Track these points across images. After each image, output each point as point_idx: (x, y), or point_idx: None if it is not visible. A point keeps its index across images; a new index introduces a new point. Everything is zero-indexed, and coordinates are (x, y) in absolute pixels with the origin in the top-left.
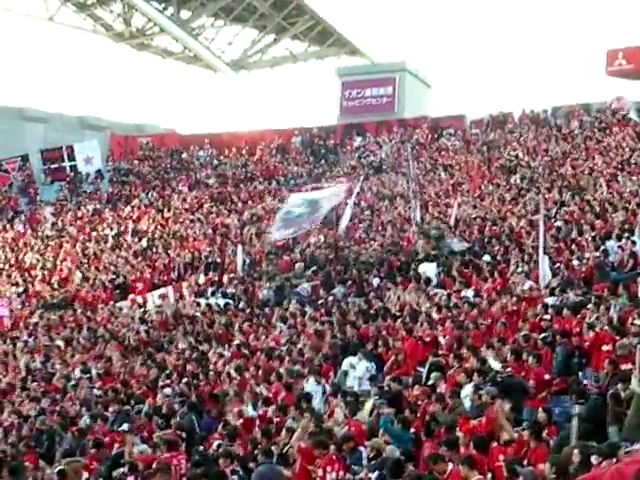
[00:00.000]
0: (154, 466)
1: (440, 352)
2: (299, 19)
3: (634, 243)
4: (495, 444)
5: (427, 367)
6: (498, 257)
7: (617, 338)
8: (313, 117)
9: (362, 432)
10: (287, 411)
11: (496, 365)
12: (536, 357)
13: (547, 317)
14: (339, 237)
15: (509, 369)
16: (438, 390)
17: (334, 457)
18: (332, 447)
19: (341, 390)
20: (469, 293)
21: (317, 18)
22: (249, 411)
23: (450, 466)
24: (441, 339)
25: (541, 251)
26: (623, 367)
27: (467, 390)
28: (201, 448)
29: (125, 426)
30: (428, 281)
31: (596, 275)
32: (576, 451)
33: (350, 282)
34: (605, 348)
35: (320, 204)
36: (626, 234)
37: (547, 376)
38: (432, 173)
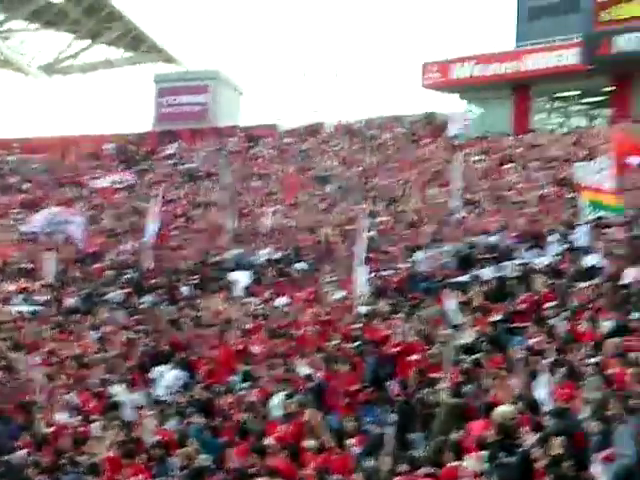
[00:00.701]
0: None
1: (251, 361)
2: (113, 25)
3: (443, 254)
4: (309, 452)
5: (237, 375)
6: (311, 266)
7: (426, 347)
8: (129, 123)
9: (172, 441)
10: (96, 420)
11: (305, 371)
12: (350, 365)
13: (358, 326)
14: (152, 245)
15: (320, 376)
16: (249, 398)
17: (143, 466)
18: (141, 456)
19: (151, 399)
20: (282, 301)
21: (131, 25)
22: (58, 419)
23: None
24: (253, 348)
25: (359, 261)
26: (435, 375)
27: (278, 399)
28: (6, 458)
29: None
30: (241, 289)
31: (407, 285)
32: (387, 459)
33: (161, 290)
34: (413, 357)
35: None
36: (436, 245)
37: (356, 386)
38: (246, 182)
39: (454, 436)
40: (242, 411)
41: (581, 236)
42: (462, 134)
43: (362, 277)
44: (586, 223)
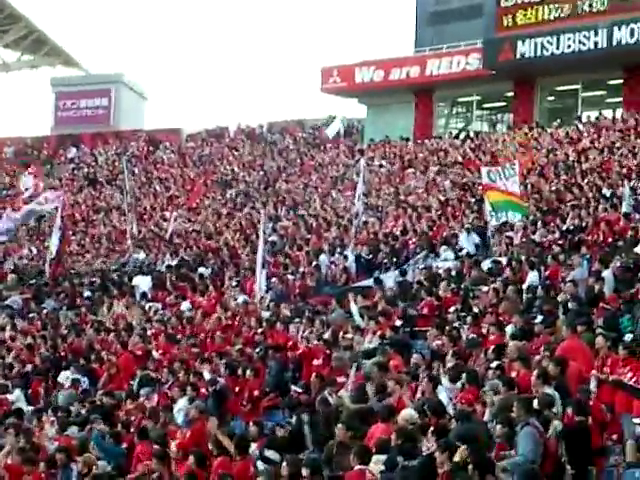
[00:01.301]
0: None
1: (152, 366)
2: (12, 27)
3: (346, 258)
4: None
5: (137, 381)
6: (214, 271)
7: (329, 352)
8: (27, 127)
9: (73, 447)
10: None
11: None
12: (254, 370)
13: (260, 331)
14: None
15: (223, 381)
16: (150, 404)
17: (43, 474)
18: (42, 463)
19: (52, 405)
20: (184, 306)
21: (31, 27)
22: None
23: None
24: (154, 353)
25: (259, 265)
26: (339, 380)
27: (180, 404)
28: None
29: None
30: (143, 294)
31: (311, 289)
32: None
33: (62, 295)
34: (316, 362)
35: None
36: (339, 249)
37: (256, 392)
38: (148, 186)
39: (356, 440)
40: (144, 417)
41: (469, 240)
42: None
43: (261, 281)
44: (488, 227)
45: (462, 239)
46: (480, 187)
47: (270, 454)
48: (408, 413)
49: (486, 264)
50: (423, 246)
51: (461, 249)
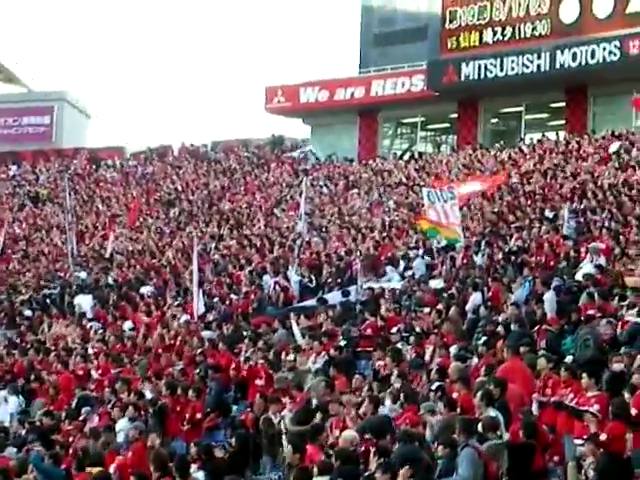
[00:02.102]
0: None
1: (92, 386)
2: None
3: (289, 279)
4: None
5: (75, 401)
6: (156, 290)
7: (272, 372)
8: None
9: (11, 469)
10: None
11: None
12: (195, 391)
13: (199, 351)
14: None
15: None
16: (90, 424)
17: None
18: None
19: None
20: (126, 326)
21: None
22: None
23: None
24: (94, 373)
25: (195, 285)
26: (284, 400)
27: (122, 424)
28: None
29: None
30: (83, 314)
31: (254, 309)
32: None
33: (2, 314)
34: (258, 382)
35: None
36: (282, 269)
37: (199, 415)
38: (90, 204)
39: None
40: (84, 437)
41: (424, 262)
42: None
43: (199, 300)
44: (431, 248)
45: (416, 261)
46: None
47: (199, 475)
48: (350, 434)
49: (431, 285)
50: (367, 267)
51: (411, 267)
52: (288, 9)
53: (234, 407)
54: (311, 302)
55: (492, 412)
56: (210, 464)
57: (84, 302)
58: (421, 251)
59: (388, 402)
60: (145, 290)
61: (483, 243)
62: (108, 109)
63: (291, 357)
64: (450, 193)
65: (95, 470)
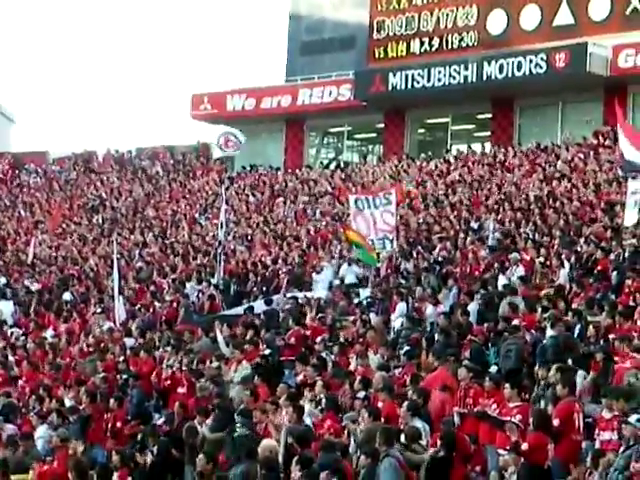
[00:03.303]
0: None
1: (15, 393)
2: None
3: (216, 287)
4: None
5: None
6: (78, 297)
7: (194, 381)
8: None
9: None
10: None
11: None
12: (117, 399)
13: (123, 359)
14: None
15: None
16: (6, 433)
17: None
18: None
19: None
20: (48, 333)
21: None
22: None
23: None
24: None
25: (116, 291)
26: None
27: (41, 432)
28: None
29: None
30: (4, 321)
31: (177, 317)
32: None
33: None
34: (180, 390)
35: None
36: (206, 277)
37: (120, 423)
38: (11, 210)
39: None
40: (2, 446)
41: (350, 271)
42: (227, 155)
43: (120, 307)
44: (357, 259)
45: (342, 269)
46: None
47: None
48: (270, 443)
49: (365, 293)
50: (293, 276)
51: (336, 277)
52: (216, 16)
53: (155, 415)
54: (236, 310)
55: (418, 422)
56: (132, 472)
57: (5, 308)
58: (347, 261)
59: (308, 406)
60: (67, 297)
61: (408, 254)
62: (32, 114)
63: (214, 365)
64: (385, 199)
65: (21, 478)
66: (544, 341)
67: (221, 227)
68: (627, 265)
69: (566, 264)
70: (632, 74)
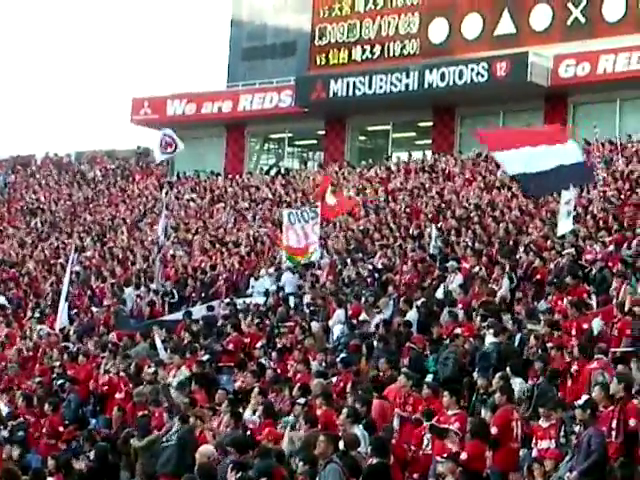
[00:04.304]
0: None
1: None
2: None
3: (155, 292)
4: None
5: None
6: (15, 301)
7: (131, 386)
8: None
9: None
10: None
11: (5, 409)
12: (52, 404)
13: (58, 364)
14: None
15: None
16: None
17: None
18: None
19: None
20: None
21: None
22: None
23: None
24: None
25: (63, 297)
26: (140, 413)
27: None
28: None
29: None
30: None
31: (115, 322)
32: None
33: None
34: (118, 395)
35: None
36: (145, 282)
37: (61, 428)
38: None
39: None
40: None
41: (291, 280)
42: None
43: (64, 312)
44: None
45: (284, 278)
46: None
47: None
48: (207, 449)
49: (295, 301)
50: (230, 281)
51: (275, 283)
52: (158, 20)
53: (92, 420)
54: (175, 316)
55: (357, 430)
56: (69, 477)
57: None
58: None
59: (247, 413)
60: (3, 301)
61: (348, 261)
62: None
63: (151, 371)
64: (313, 212)
65: None
66: (484, 348)
67: (160, 232)
68: (564, 275)
69: (506, 273)
70: (572, 84)
